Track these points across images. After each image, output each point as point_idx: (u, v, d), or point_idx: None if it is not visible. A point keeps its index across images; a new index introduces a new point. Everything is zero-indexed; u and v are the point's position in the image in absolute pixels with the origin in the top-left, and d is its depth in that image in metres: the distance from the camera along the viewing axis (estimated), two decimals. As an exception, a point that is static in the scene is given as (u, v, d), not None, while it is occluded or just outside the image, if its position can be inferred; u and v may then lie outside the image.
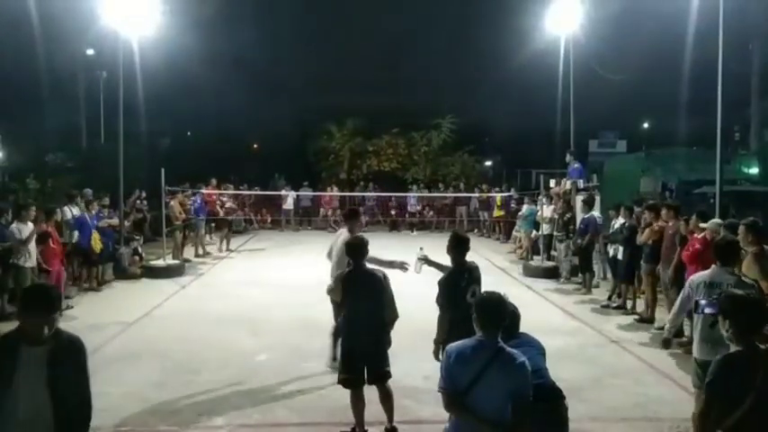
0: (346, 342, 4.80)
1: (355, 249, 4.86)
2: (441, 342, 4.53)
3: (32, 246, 8.36)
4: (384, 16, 30.81)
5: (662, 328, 7.94)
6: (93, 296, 10.08)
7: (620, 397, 5.77)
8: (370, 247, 4.98)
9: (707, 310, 3.92)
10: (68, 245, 9.96)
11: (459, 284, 4.65)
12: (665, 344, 5.05)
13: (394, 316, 4.80)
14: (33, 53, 20.46)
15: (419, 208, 20.66)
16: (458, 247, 4.86)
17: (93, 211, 10.77)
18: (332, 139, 24.14)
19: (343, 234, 6.17)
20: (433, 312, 4.75)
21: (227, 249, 15.35)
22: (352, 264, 4.86)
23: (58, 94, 23.77)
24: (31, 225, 8.37)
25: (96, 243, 10.55)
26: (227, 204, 16.15)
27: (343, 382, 4.76)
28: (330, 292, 4.98)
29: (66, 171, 17.74)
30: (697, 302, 3.95)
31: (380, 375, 4.73)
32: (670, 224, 7.98)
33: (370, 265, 4.95)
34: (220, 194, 16.25)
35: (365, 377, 4.73)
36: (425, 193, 21.36)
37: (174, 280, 11.39)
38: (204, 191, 15.61)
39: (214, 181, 16.84)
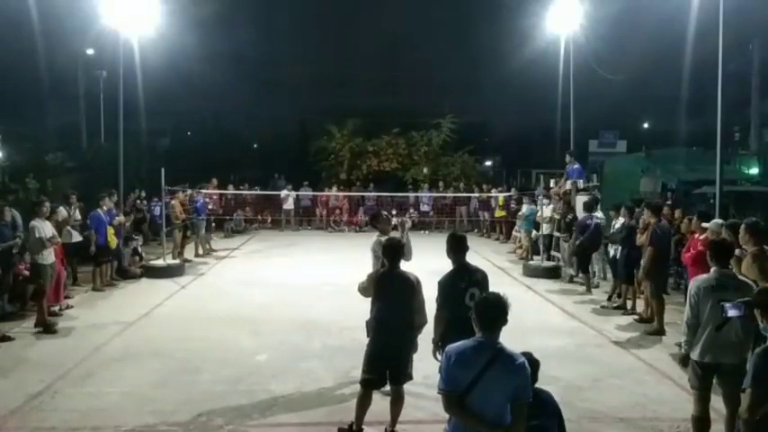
0: (373, 343, 4.78)
1: (391, 251, 4.84)
2: (438, 342, 4.55)
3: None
4: (384, 16, 30.90)
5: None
6: (94, 296, 10.07)
7: (620, 397, 5.76)
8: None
9: (731, 313, 3.82)
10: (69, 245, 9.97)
11: (458, 285, 4.64)
12: (684, 361, 4.57)
13: (423, 321, 4.79)
14: (34, 53, 20.51)
15: (428, 209, 20.65)
16: (456, 247, 4.86)
17: (106, 208, 10.77)
18: (332, 139, 24.11)
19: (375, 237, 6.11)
20: (434, 312, 4.74)
21: (210, 249, 15.16)
22: (387, 264, 4.86)
23: (58, 94, 23.81)
24: (48, 222, 8.32)
25: (112, 240, 10.66)
26: (208, 206, 16.12)
27: (363, 382, 4.76)
28: (362, 289, 4.97)
29: (66, 171, 17.73)
30: (722, 306, 3.89)
31: (400, 378, 4.73)
32: (652, 222, 8.07)
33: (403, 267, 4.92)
34: (202, 194, 16.12)
35: (386, 379, 4.74)
36: (429, 193, 21.33)
37: (174, 280, 11.39)
38: (205, 191, 15.59)
39: (215, 181, 16.88)
